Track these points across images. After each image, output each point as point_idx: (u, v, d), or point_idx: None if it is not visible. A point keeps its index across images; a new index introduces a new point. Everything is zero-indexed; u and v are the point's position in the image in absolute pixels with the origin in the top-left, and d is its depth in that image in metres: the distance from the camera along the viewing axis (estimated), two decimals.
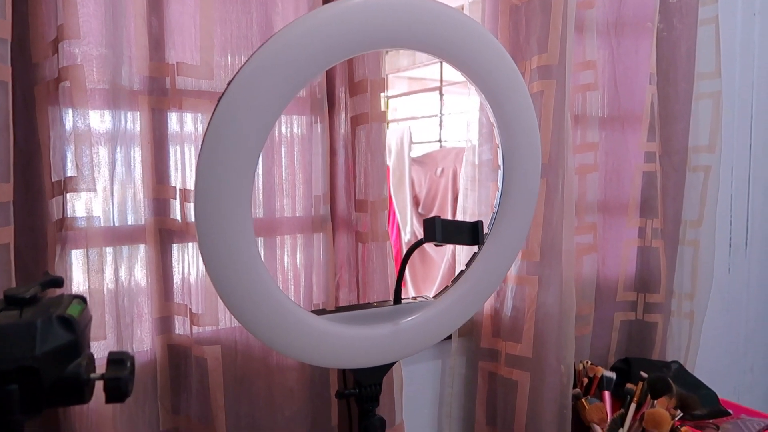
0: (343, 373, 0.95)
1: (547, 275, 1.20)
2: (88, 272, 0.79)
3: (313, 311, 0.82)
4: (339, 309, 0.84)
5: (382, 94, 0.95)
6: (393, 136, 3.96)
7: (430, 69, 4.55)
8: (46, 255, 0.81)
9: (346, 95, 0.98)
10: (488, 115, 0.86)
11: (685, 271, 1.51)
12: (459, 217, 1.32)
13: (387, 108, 5.21)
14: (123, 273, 0.86)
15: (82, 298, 0.52)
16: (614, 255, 1.45)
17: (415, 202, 3.96)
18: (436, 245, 0.80)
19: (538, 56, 1.16)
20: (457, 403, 1.33)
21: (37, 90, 0.81)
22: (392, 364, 0.88)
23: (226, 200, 0.68)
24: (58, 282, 0.55)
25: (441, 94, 4.50)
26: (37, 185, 0.82)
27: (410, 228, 3.92)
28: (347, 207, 1.02)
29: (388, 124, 4.98)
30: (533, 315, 1.20)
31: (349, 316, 0.83)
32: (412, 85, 5.21)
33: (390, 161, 3.96)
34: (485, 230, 0.92)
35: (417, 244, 0.82)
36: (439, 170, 3.75)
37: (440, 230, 0.76)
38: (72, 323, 0.49)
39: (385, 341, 0.84)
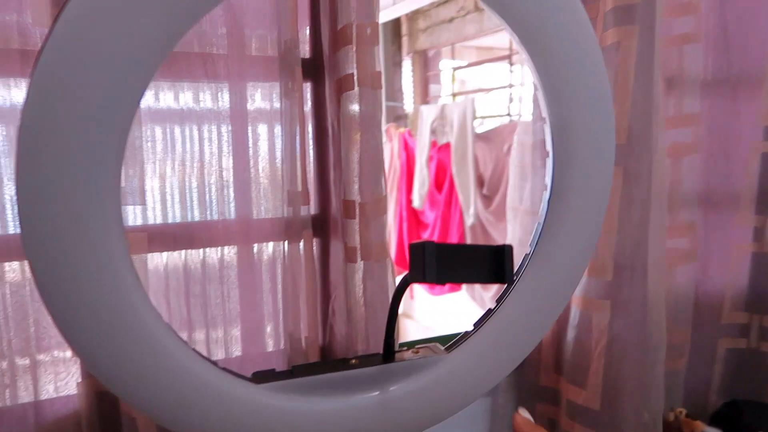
0: None
1: (625, 298, 0.88)
2: None
3: (254, 374, 0.55)
4: (294, 371, 0.56)
5: (375, 48, 0.66)
6: (455, 109, 3.63)
7: (499, 37, 4.16)
8: None
9: (327, 49, 0.69)
10: (528, 68, 0.55)
11: None
12: (510, 218, 1.01)
13: (453, 80, 4.84)
14: (13, 301, 0.63)
15: None
16: (719, 264, 1.09)
17: (480, 182, 3.61)
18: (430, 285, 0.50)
19: None
20: None
21: None
22: None
23: (70, 209, 0.42)
24: None
25: (510, 64, 4.11)
26: None
27: (473, 211, 3.59)
28: (336, 207, 0.74)
29: (454, 97, 4.65)
30: (602, 353, 0.88)
31: (310, 383, 0.55)
32: (481, 55, 4.82)
33: (452, 137, 3.63)
34: (527, 250, 0.62)
35: (405, 281, 0.53)
36: (506, 147, 3.39)
37: (433, 263, 0.47)
38: None
39: (364, 419, 0.56)
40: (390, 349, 0.59)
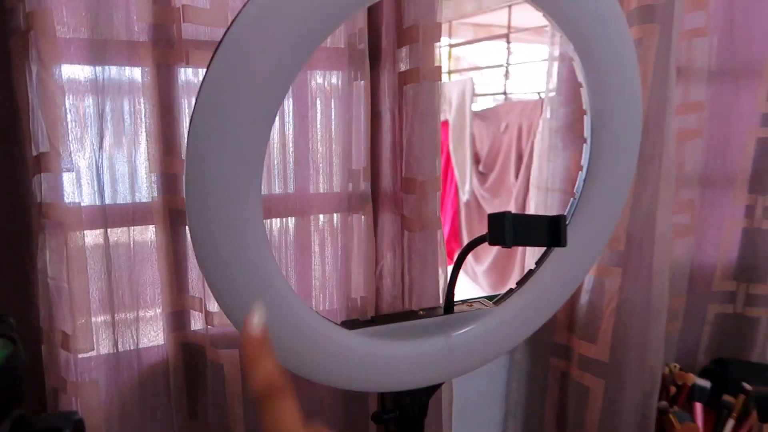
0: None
1: (635, 266, 1.00)
2: (68, 265, 0.65)
3: (344, 323, 0.66)
4: (376, 320, 0.68)
5: (437, 44, 0.75)
6: (454, 88, 3.70)
7: (497, 15, 4.21)
8: (31, 243, 0.68)
9: (392, 44, 0.79)
10: (576, 70, 0.65)
11: None
12: (534, 194, 1.12)
13: (450, 57, 4.90)
14: (121, 262, 0.73)
15: (9, 338, 0.39)
16: (713, 237, 1.22)
17: (476, 159, 3.71)
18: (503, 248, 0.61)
19: None
20: (523, 402, 1.16)
21: (12, 42, 0.66)
22: (441, 384, 0.72)
23: (226, 189, 0.52)
24: None
25: (508, 42, 4.17)
26: (19, 159, 0.69)
27: (469, 188, 3.70)
28: (393, 184, 0.84)
29: (450, 74, 4.71)
30: (613, 313, 1.00)
31: (390, 330, 0.67)
32: (478, 33, 4.87)
33: (450, 115, 3.71)
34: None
35: (474, 243, 0.64)
36: (503, 126, 3.49)
37: (510, 230, 0.58)
38: None
39: (433, 359, 0.68)
40: (451, 303, 0.70)
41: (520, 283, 0.73)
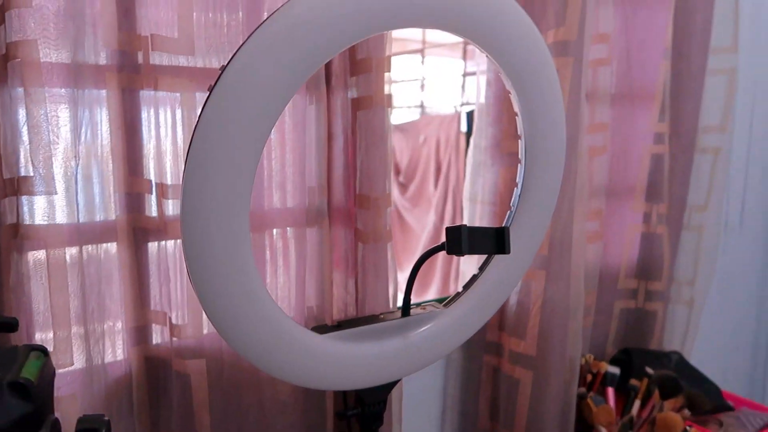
0: (343, 390, 0.87)
1: (556, 269, 1.12)
2: (50, 287, 0.67)
3: (314, 328, 0.73)
4: (342, 324, 0.74)
5: (387, 74, 0.84)
6: None
7: (412, 30, 4.36)
8: (0, 264, 0.69)
9: (345, 73, 0.86)
10: (512, 102, 0.76)
11: (687, 258, 1.45)
12: (467, 206, 1.22)
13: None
14: (91, 279, 0.75)
15: (41, 350, 0.42)
16: (617, 241, 1.38)
17: (396, 170, 3.84)
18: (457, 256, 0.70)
19: (555, 30, 1.05)
20: (460, 396, 1.26)
21: None
22: (399, 380, 0.79)
23: (219, 211, 0.57)
24: (11, 325, 0.44)
25: (423, 57, 4.34)
26: None
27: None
28: (346, 200, 0.91)
29: None
30: (539, 311, 1.12)
31: (356, 333, 0.74)
32: (393, 47, 5.01)
33: None
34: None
35: (431, 252, 0.72)
36: (421, 138, 3.63)
37: (467, 240, 0.66)
38: (28, 390, 0.38)
39: (394, 357, 0.76)
40: (407, 306, 0.78)
41: (466, 286, 0.83)
